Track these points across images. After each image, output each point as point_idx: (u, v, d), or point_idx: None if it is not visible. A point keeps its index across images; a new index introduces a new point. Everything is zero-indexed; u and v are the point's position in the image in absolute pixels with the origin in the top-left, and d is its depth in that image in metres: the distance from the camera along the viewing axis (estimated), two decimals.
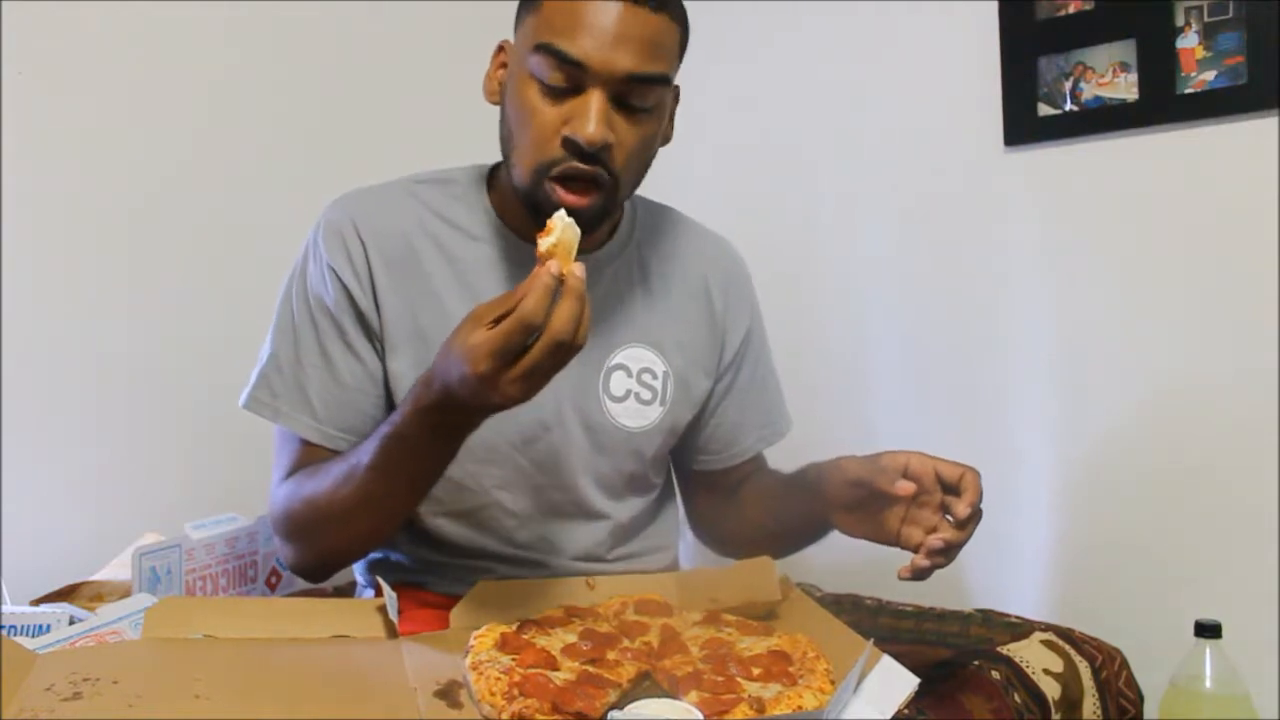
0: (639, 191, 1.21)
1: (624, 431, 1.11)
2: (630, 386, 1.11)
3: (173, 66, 1.49)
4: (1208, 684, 1.10)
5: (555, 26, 0.94)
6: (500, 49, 1.05)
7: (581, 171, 0.95)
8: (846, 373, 1.68)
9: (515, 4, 1.03)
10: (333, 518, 0.98)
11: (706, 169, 1.83)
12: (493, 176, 1.11)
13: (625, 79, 0.94)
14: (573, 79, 0.94)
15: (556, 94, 0.95)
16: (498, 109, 1.04)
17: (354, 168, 1.25)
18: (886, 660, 0.86)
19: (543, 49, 0.94)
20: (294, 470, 1.04)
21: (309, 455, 1.04)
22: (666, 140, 1.08)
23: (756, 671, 0.88)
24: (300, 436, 1.04)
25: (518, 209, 1.04)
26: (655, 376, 1.12)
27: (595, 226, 1.00)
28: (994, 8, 1.52)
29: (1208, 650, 1.11)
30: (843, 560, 1.63)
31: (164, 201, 1.48)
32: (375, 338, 1.05)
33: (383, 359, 1.05)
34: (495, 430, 1.03)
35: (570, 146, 0.95)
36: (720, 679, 0.86)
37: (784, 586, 1.06)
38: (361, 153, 1.63)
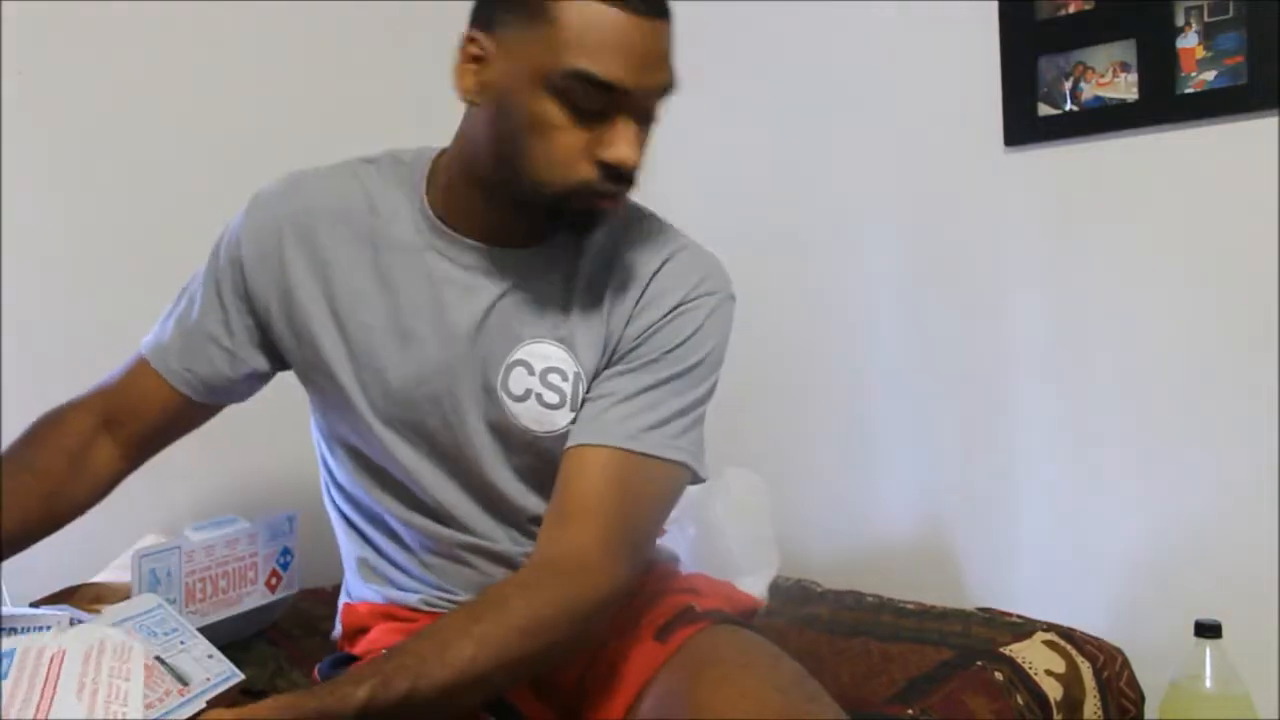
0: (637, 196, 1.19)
1: (530, 434, 1.02)
2: (531, 386, 1.02)
3: (173, 65, 1.49)
4: (1208, 684, 1.11)
5: (587, 47, 0.90)
6: (471, 40, 0.96)
7: (617, 190, 0.95)
8: (845, 372, 1.68)
9: None
10: None
11: (704, 170, 1.83)
12: (439, 159, 1.05)
13: (654, 96, 0.93)
14: (605, 102, 0.91)
15: (585, 115, 0.92)
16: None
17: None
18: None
19: (576, 74, 0.90)
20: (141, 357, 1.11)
21: (143, 368, 1.10)
22: None
23: None
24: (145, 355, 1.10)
25: (456, 199, 1.02)
26: (565, 378, 1.02)
27: None
28: (994, 8, 1.52)
29: (1208, 650, 1.11)
30: (843, 558, 1.63)
31: (164, 202, 1.47)
32: (255, 311, 1.06)
33: (263, 331, 1.06)
34: (407, 422, 1.03)
35: (607, 170, 0.93)
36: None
37: None
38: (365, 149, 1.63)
